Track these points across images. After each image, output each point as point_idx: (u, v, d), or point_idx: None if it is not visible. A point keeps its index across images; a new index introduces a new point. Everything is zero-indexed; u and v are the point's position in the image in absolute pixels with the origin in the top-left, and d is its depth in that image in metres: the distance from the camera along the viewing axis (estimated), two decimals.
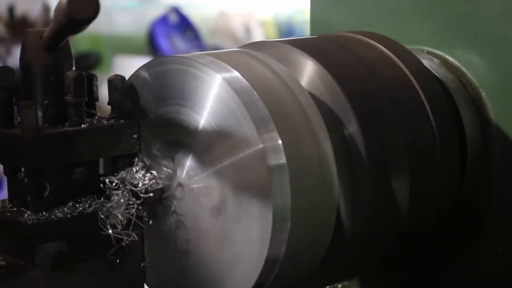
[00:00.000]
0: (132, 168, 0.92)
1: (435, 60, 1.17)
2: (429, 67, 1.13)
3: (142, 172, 0.92)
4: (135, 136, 0.93)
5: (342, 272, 1.05)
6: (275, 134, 0.87)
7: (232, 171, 0.87)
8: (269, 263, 0.87)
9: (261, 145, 0.85)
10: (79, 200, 0.90)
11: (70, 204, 0.89)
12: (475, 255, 1.14)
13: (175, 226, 0.93)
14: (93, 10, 0.81)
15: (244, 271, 0.88)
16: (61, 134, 0.87)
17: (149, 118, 0.94)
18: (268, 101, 0.88)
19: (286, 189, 0.86)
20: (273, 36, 5.70)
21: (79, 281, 0.90)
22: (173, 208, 0.93)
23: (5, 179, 0.99)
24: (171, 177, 0.93)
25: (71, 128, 0.88)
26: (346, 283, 1.22)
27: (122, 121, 0.92)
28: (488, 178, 1.12)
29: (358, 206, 0.95)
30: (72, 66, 0.91)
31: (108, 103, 0.93)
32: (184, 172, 0.92)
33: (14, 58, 4.87)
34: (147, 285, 0.97)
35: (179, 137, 0.92)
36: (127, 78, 0.95)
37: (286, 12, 5.92)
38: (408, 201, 1.00)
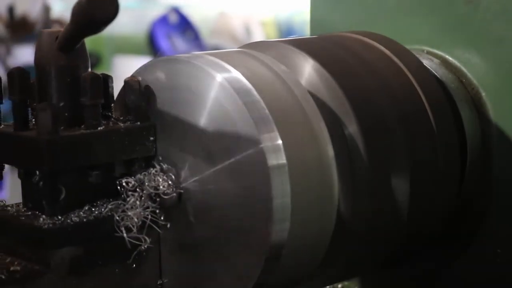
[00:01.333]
0: (150, 171, 0.91)
1: (435, 60, 1.17)
2: (429, 67, 1.13)
3: (161, 174, 0.91)
4: (151, 138, 0.91)
5: (342, 272, 1.05)
6: (275, 134, 0.87)
7: (232, 171, 0.87)
8: (269, 263, 0.87)
9: (261, 145, 0.85)
10: (95, 203, 0.88)
11: (86, 208, 0.87)
12: (475, 255, 1.14)
13: (176, 227, 0.93)
14: (113, 10, 0.79)
15: (245, 271, 0.88)
16: (77, 136, 0.86)
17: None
18: (268, 101, 0.88)
19: (286, 189, 0.86)
20: (273, 36, 5.70)
21: (96, 285, 0.88)
22: (172, 210, 0.93)
23: (4, 180, 0.99)
24: (171, 177, 0.93)
25: (88, 131, 0.87)
26: (346, 283, 1.22)
27: (139, 123, 0.91)
28: (488, 178, 1.12)
29: (358, 206, 0.95)
30: (88, 68, 0.89)
31: (125, 105, 0.92)
32: (185, 173, 0.91)
33: (14, 58, 4.87)
34: None
35: (179, 137, 0.92)
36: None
37: (286, 12, 5.92)
38: (408, 201, 1.00)
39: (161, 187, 0.90)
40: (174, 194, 0.90)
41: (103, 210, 0.87)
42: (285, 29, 5.84)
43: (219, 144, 0.88)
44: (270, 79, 0.92)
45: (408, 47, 1.12)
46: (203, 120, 0.89)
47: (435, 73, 1.14)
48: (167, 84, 0.92)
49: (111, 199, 0.89)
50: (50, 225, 0.84)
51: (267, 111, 0.87)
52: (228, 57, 0.93)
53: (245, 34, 5.71)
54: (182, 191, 0.91)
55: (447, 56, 1.17)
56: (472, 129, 1.12)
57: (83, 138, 0.86)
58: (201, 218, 0.91)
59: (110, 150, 0.88)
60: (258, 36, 5.68)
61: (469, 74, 1.15)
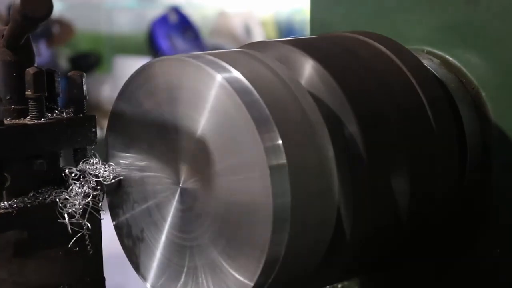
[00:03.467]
0: (91, 160, 0.96)
1: (435, 60, 1.17)
2: (429, 67, 1.14)
3: (101, 163, 0.96)
4: (93, 129, 0.97)
5: (342, 272, 1.05)
6: (275, 134, 0.87)
7: (231, 171, 0.87)
8: (269, 263, 0.87)
9: (261, 145, 0.85)
10: (39, 190, 0.93)
11: (31, 194, 0.92)
12: (475, 255, 1.14)
13: (175, 228, 0.93)
14: (47, 8, 0.85)
15: (244, 271, 0.88)
16: (21, 127, 0.91)
17: (148, 119, 0.94)
18: (268, 101, 0.88)
19: (286, 189, 0.86)
20: (273, 36, 5.70)
21: (39, 267, 0.93)
22: (172, 210, 0.93)
23: None
24: (171, 178, 0.93)
25: (31, 122, 0.92)
26: (346, 283, 1.22)
27: (81, 115, 0.96)
28: (488, 178, 1.12)
29: (358, 206, 0.95)
30: (33, 63, 0.95)
31: (69, 99, 0.96)
32: (183, 173, 0.92)
33: None
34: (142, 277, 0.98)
35: (178, 138, 0.92)
36: (126, 78, 0.96)
37: (286, 12, 5.92)
38: (408, 201, 1.00)
39: (100, 173, 0.95)
40: (114, 181, 0.96)
41: (47, 197, 0.93)
42: (285, 29, 5.84)
43: (218, 144, 0.88)
44: (270, 79, 0.92)
45: (408, 47, 1.12)
46: (203, 120, 0.89)
47: (435, 73, 1.14)
48: (166, 84, 0.92)
49: (55, 187, 0.94)
50: None
51: (267, 111, 0.87)
52: (228, 57, 0.93)
53: (245, 34, 5.71)
54: (121, 178, 0.97)
55: (447, 56, 1.17)
56: (472, 129, 1.12)
57: (27, 129, 0.92)
58: (200, 218, 0.91)
59: (53, 140, 0.94)
60: (258, 35, 5.67)
61: (469, 74, 1.15)
